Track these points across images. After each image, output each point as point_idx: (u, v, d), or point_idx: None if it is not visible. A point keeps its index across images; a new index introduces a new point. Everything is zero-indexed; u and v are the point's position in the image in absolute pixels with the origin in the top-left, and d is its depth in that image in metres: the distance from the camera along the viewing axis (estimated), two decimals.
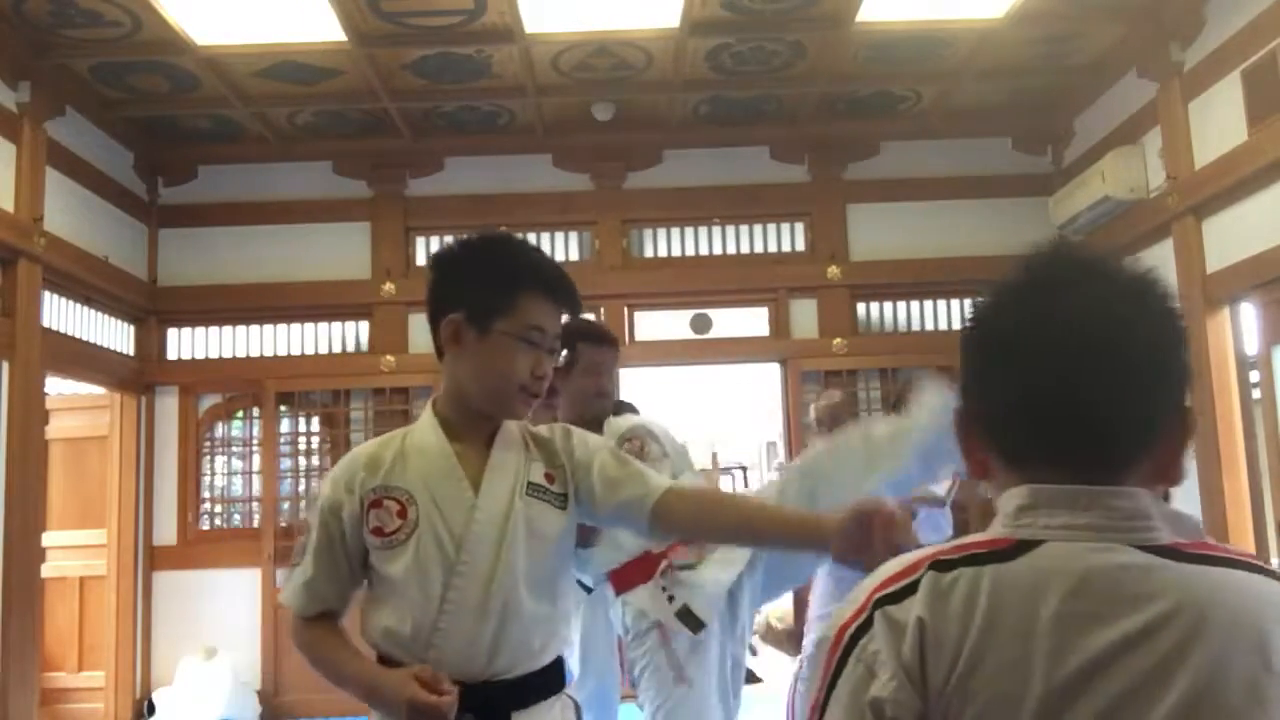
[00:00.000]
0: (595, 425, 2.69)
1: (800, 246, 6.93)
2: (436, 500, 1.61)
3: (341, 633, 1.67)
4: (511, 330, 1.62)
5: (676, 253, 6.94)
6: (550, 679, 1.66)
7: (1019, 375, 0.91)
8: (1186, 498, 5.38)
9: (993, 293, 1.04)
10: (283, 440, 6.68)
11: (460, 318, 1.63)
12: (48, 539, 5.79)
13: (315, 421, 6.78)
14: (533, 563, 1.62)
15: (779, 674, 6.89)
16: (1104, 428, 0.89)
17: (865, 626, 0.87)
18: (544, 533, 1.64)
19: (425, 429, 1.69)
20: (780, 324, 6.80)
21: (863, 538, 1.43)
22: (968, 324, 1.01)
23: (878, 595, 0.88)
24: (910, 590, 0.87)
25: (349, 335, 6.85)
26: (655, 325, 6.91)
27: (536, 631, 1.62)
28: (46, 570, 5.71)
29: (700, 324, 6.87)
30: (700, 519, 1.70)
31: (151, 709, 6.22)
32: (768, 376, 7.21)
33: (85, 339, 6.01)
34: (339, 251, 6.77)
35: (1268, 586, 0.85)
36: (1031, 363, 0.91)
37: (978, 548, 0.89)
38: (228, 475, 6.85)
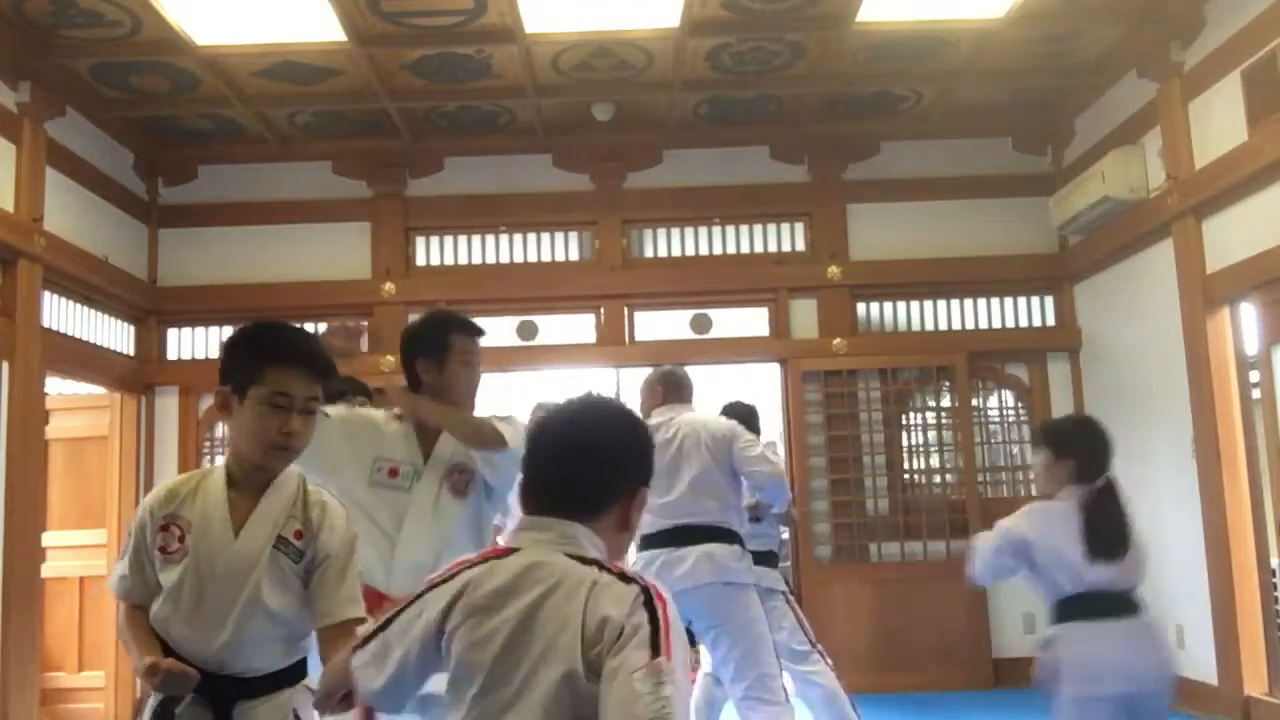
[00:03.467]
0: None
1: (800, 246, 6.93)
2: (206, 535, 1.99)
3: (143, 619, 2.03)
4: (260, 397, 1.97)
5: (676, 253, 6.94)
6: (281, 678, 2.02)
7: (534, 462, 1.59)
8: (1187, 498, 5.38)
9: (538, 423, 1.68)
10: None
11: (227, 389, 2.00)
12: (48, 539, 5.79)
13: None
14: (276, 597, 1.98)
15: None
16: (566, 490, 1.53)
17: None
18: (284, 578, 2.00)
19: (216, 476, 2.06)
20: (780, 324, 6.80)
21: None
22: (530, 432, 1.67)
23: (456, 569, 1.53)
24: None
25: None
26: (655, 325, 6.91)
27: (268, 649, 2.00)
28: (46, 570, 5.71)
29: (700, 324, 6.88)
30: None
31: None
32: (768, 376, 7.21)
33: (85, 339, 6.01)
34: (339, 251, 6.78)
35: (592, 574, 1.43)
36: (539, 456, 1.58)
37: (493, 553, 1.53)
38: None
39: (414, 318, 6.57)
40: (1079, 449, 3.21)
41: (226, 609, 1.95)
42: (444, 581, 1.51)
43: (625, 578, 1.42)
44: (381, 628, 1.55)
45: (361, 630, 1.64)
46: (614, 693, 1.31)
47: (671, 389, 4.10)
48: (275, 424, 1.97)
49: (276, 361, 1.98)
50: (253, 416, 1.97)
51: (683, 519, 3.77)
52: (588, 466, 1.53)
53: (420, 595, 1.52)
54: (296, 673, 2.07)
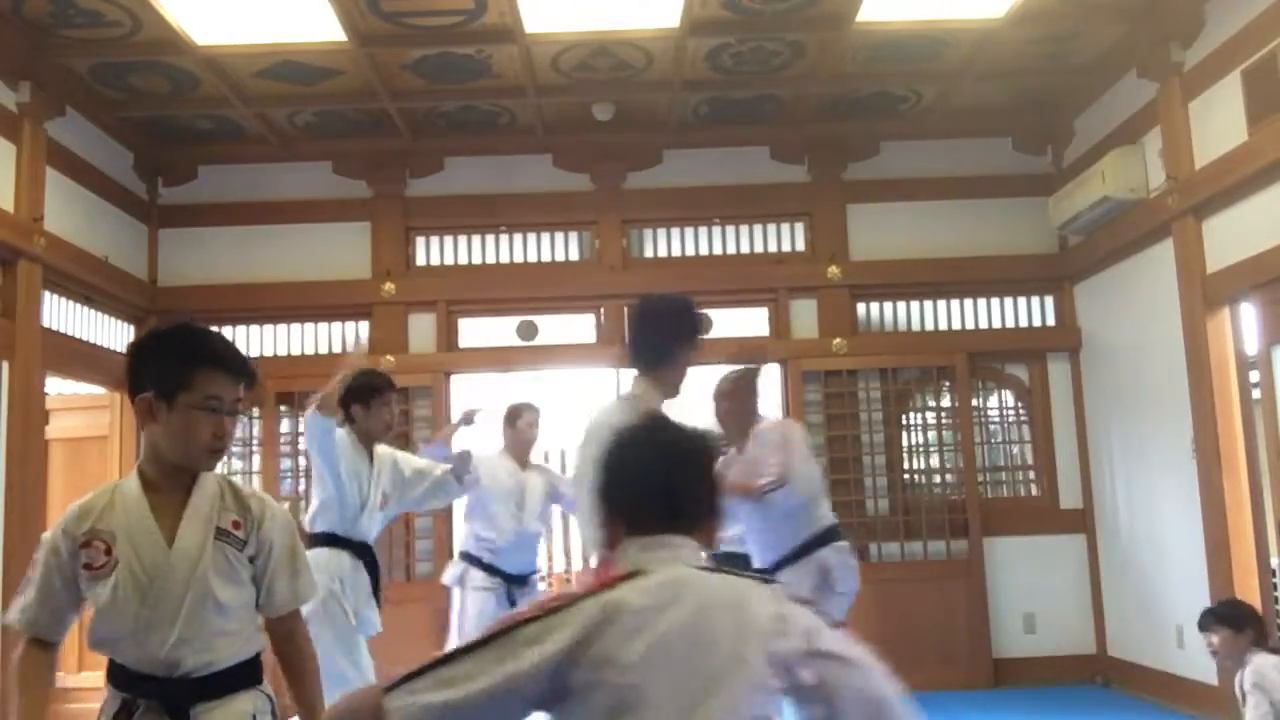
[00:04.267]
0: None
1: (800, 246, 6.93)
2: (133, 542, 1.99)
3: (42, 666, 2.05)
4: (191, 402, 1.96)
5: (676, 253, 6.94)
6: (239, 677, 2.03)
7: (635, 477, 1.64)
8: (1187, 498, 5.38)
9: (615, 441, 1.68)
10: (283, 440, 6.67)
11: (151, 396, 1.97)
12: None
13: None
14: (223, 590, 2.00)
15: None
16: (678, 507, 1.59)
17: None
18: (230, 570, 2.03)
19: (129, 484, 2.05)
20: (780, 324, 6.80)
21: None
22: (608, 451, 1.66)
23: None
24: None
25: (349, 335, 6.85)
26: None
27: (221, 644, 2.00)
28: None
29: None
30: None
31: None
32: (768, 376, 7.20)
33: (85, 339, 6.01)
34: (339, 251, 6.77)
35: (743, 582, 1.53)
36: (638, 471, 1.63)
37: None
38: (227, 475, 6.83)
39: (414, 317, 6.65)
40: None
41: (174, 608, 1.96)
42: (555, 611, 1.43)
43: (752, 579, 1.55)
44: (440, 664, 1.40)
45: (395, 671, 1.43)
46: (847, 668, 1.47)
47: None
48: (208, 428, 1.98)
49: (205, 366, 1.98)
50: (184, 422, 1.97)
51: None
52: (692, 482, 1.62)
53: (507, 631, 1.42)
54: (251, 674, 2.06)
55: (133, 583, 1.97)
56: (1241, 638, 3.64)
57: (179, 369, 1.97)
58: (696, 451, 1.65)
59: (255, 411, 6.72)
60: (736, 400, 4.13)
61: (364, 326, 6.81)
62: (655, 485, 1.59)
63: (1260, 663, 3.56)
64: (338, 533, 4.04)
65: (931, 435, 6.83)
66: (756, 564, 4.12)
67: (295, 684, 2.15)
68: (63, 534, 2.03)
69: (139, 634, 1.97)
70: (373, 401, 4.14)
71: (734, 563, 4.33)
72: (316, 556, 3.78)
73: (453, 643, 4.69)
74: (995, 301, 6.90)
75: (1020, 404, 6.88)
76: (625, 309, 6.84)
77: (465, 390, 6.66)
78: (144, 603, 1.97)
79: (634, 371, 3.08)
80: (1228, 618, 3.73)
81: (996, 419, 6.94)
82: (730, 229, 6.93)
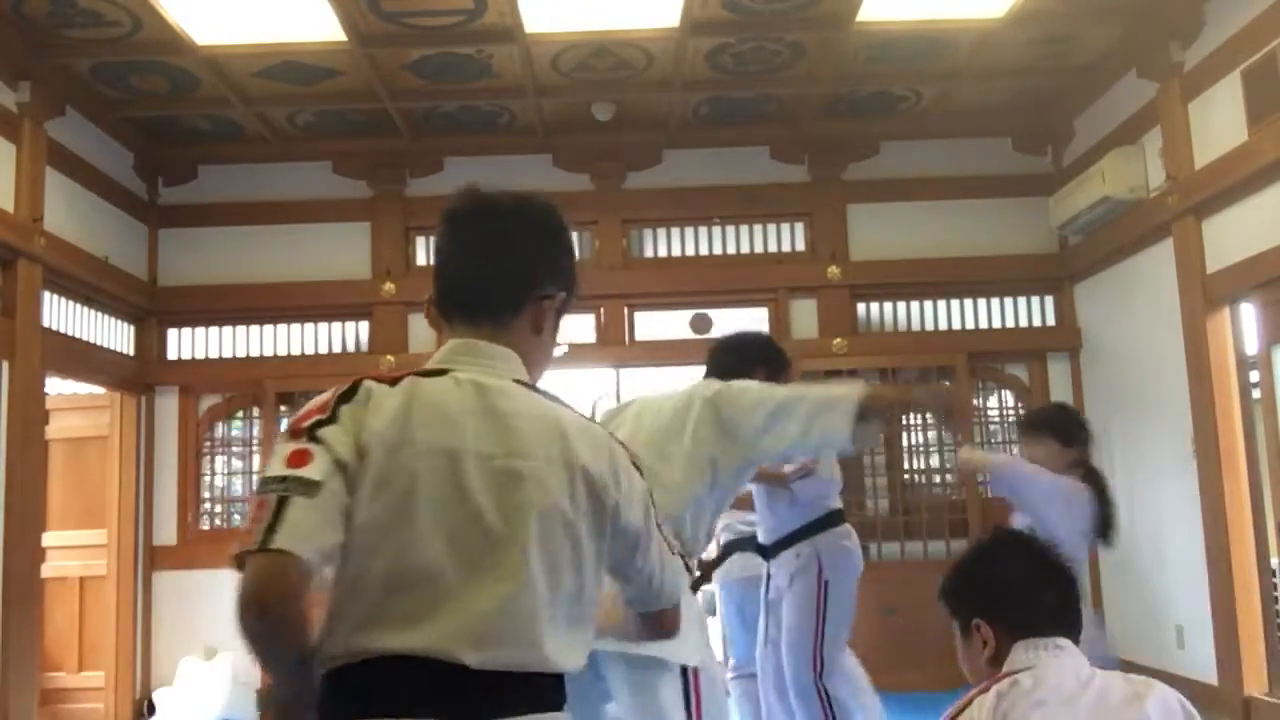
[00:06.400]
0: None
1: (800, 246, 6.93)
2: None
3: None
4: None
5: (676, 253, 6.94)
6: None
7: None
8: (1187, 498, 5.38)
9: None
10: None
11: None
12: (48, 539, 5.79)
13: None
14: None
15: None
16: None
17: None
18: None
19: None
20: (780, 324, 6.80)
21: None
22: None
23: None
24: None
25: (349, 335, 6.85)
26: (655, 325, 6.91)
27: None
28: (46, 570, 5.71)
29: (700, 324, 6.87)
30: None
31: (151, 709, 6.22)
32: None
33: (85, 339, 6.01)
34: (339, 251, 6.77)
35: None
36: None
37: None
38: (228, 475, 6.85)
39: (414, 317, 6.65)
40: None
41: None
42: None
43: None
44: None
45: None
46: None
47: None
48: None
49: None
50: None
51: None
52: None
53: None
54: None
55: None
56: (1067, 453, 3.33)
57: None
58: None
59: (255, 411, 6.72)
60: None
61: (364, 326, 6.81)
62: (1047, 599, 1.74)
63: (1074, 486, 3.25)
64: None
65: (931, 435, 6.83)
66: (760, 541, 4.17)
67: None
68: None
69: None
70: None
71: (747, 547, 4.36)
72: None
73: None
74: (995, 301, 6.90)
75: (1020, 404, 6.88)
76: (625, 309, 6.90)
77: None
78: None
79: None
80: (1057, 427, 3.37)
81: (996, 419, 6.94)
82: (730, 229, 6.93)
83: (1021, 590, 1.71)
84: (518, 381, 1.47)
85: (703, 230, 6.93)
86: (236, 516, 6.73)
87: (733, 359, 3.20)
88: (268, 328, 6.80)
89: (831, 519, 4.06)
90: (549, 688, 1.37)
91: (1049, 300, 6.88)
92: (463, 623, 1.30)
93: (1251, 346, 5.10)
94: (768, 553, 4.11)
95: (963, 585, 1.76)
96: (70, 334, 5.84)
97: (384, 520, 1.33)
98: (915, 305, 6.89)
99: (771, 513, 4.07)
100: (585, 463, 1.40)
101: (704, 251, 6.94)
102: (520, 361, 1.50)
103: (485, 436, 1.37)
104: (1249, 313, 5.08)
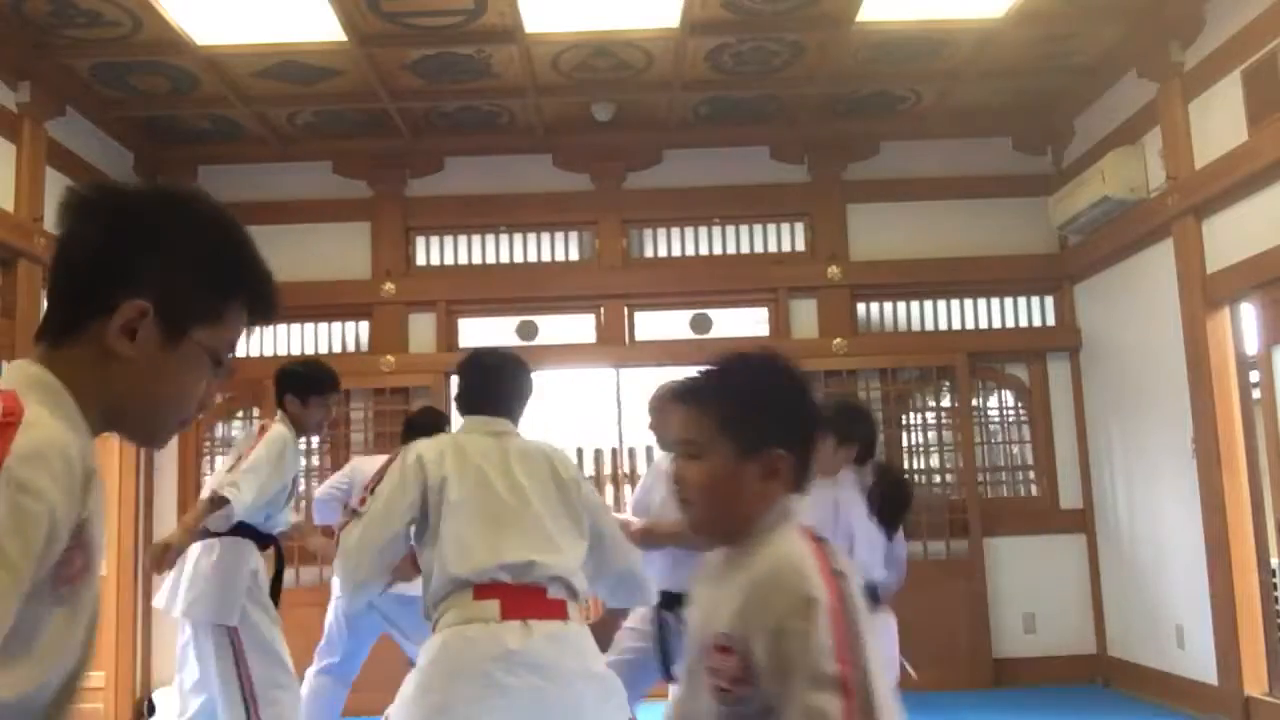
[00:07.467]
0: None
1: (800, 246, 6.93)
2: None
3: None
4: (209, 343, 1.20)
5: (676, 253, 6.94)
6: None
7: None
8: (1187, 498, 5.38)
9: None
10: None
11: (148, 307, 1.12)
12: None
13: None
14: None
15: None
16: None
17: None
18: None
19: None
20: (780, 324, 6.80)
21: None
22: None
23: None
24: None
25: (349, 335, 6.85)
26: (655, 325, 6.91)
27: None
28: None
29: (700, 324, 6.88)
30: None
31: (152, 709, 6.22)
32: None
33: None
34: (339, 251, 6.78)
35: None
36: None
37: None
38: None
39: (414, 317, 6.64)
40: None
41: None
42: None
43: None
44: None
45: None
46: None
47: None
48: (201, 390, 1.23)
49: (249, 296, 1.26)
50: (188, 369, 1.19)
51: None
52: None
53: None
54: None
55: None
56: (842, 451, 3.15)
57: (219, 285, 1.21)
58: None
59: (255, 411, 6.72)
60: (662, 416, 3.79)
61: (364, 326, 6.81)
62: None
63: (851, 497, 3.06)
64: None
65: (931, 435, 6.83)
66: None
67: None
68: None
69: None
70: (311, 399, 4.05)
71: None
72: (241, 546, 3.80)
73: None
74: (995, 301, 6.90)
75: (1020, 404, 6.88)
76: (625, 309, 6.90)
77: None
78: None
79: None
80: (835, 424, 3.14)
81: (996, 419, 6.94)
82: (730, 229, 6.93)
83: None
84: None
85: (703, 230, 6.93)
86: None
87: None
88: (268, 328, 6.79)
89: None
90: None
91: (1049, 300, 6.88)
92: None
93: (1251, 346, 5.10)
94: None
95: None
96: None
97: None
98: (915, 305, 6.89)
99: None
100: None
101: (704, 251, 6.93)
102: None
103: None
104: (1249, 313, 5.08)
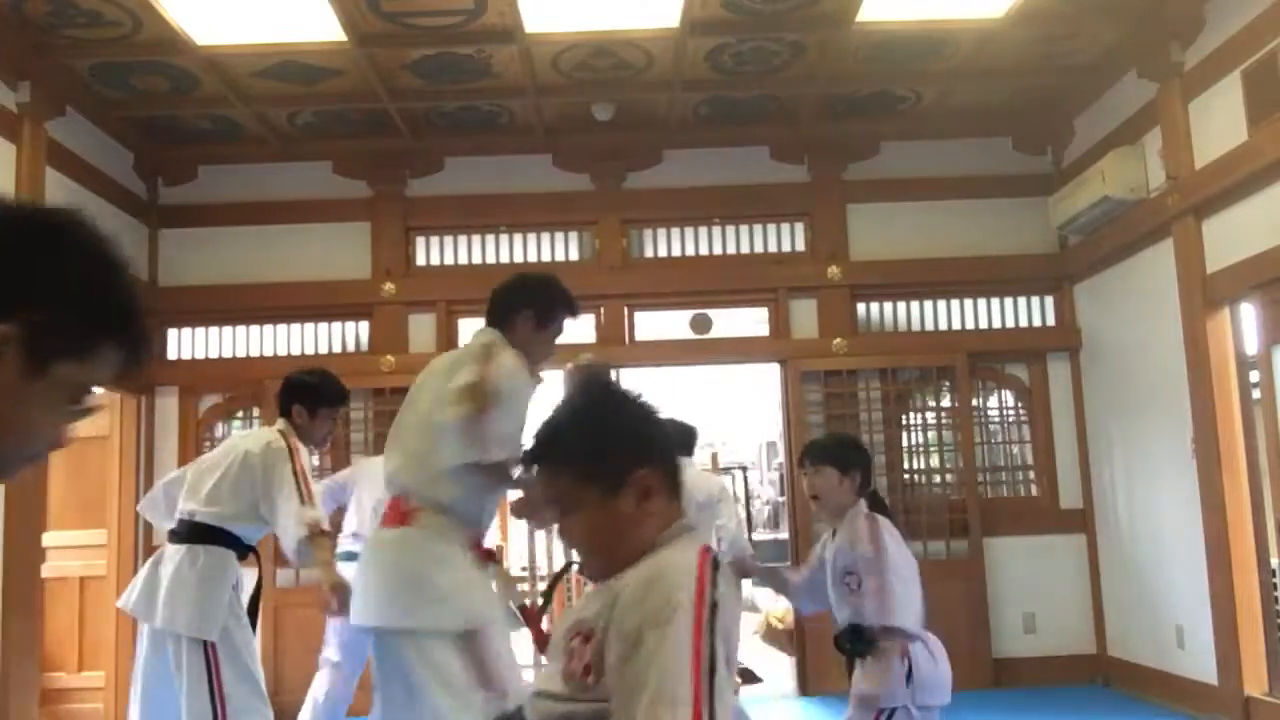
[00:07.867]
0: None
1: (800, 246, 6.93)
2: None
3: None
4: (74, 378, 1.15)
5: (676, 253, 6.94)
6: None
7: None
8: (1187, 498, 5.38)
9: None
10: None
11: (10, 332, 1.02)
12: (48, 539, 5.78)
13: None
14: None
15: (778, 674, 6.89)
16: None
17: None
18: None
19: None
20: (780, 324, 6.80)
21: None
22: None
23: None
24: None
25: (349, 335, 6.85)
26: (655, 325, 6.91)
27: None
28: (46, 570, 5.70)
29: (700, 324, 6.88)
30: None
31: None
32: (768, 376, 7.20)
33: None
34: (339, 251, 6.78)
35: None
36: None
37: None
38: None
39: (414, 317, 6.64)
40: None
41: None
42: None
43: None
44: None
45: None
46: None
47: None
48: (57, 432, 1.21)
49: (120, 337, 1.18)
50: (42, 406, 1.14)
51: None
52: None
53: None
54: None
55: None
56: (847, 481, 3.27)
57: (91, 319, 1.11)
58: None
59: (255, 411, 6.72)
60: None
61: (364, 326, 6.81)
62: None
63: (873, 525, 3.24)
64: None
65: (931, 435, 6.83)
66: None
67: None
68: None
69: None
70: (320, 411, 3.93)
71: None
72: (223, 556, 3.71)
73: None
74: (995, 301, 6.90)
75: (1020, 404, 6.88)
76: (625, 309, 6.90)
77: None
78: None
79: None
80: (835, 456, 3.29)
81: (996, 419, 6.94)
82: (730, 229, 6.93)
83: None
84: None
85: (703, 230, 6.93)
86: None
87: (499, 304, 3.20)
88: (268, 328, 6.80)
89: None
90: None
91: (1049, 300, 6.88)
92: None
93: (1251, 346, 5.10)
94: None
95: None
96: None
97: None
98: (915, 305, 6.89)
99: None
100: None
101: (704, 251, 6.93)
102: None
103: None
104: (1249, 313, 5.09)
